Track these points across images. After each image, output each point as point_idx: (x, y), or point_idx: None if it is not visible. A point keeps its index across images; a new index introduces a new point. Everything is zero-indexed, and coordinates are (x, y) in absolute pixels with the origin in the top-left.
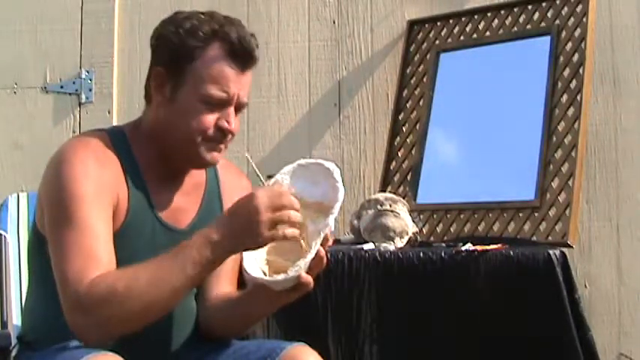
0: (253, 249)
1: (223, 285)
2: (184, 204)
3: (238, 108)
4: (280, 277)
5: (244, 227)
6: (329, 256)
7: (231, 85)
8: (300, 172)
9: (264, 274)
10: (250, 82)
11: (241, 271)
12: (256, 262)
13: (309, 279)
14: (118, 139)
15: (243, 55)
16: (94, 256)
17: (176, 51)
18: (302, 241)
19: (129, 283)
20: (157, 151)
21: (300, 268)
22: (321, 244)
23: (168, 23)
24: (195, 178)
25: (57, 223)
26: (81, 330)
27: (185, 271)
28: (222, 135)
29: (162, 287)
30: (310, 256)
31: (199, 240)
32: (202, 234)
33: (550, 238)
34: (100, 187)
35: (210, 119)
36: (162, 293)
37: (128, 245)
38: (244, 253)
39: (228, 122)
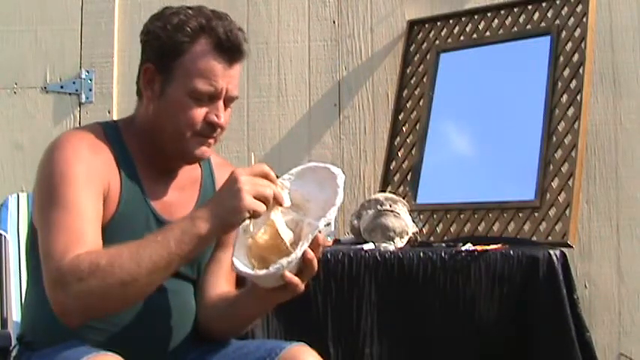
0: (237, 220)
1: (222, 284)
2: (180, 199)
3: (228, 101)
4: (262, 272)
5: (225, 195)
6: (329, 256)
7: (219, 79)
8: (309, 174)
9: (253, 268)
10: (239, 74)
11: None
12: (247, 258)
13: (295, 280)
14: (111, 132)
15: (230, 49)
16: (80, 234)
17: (164, 47)
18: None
19: (111, 258)
20: (150, 146)
21: (282, 267)
22: (313, 249)
23: (156, 19)
24: (191, 173)
25: (45, 203)
26: (62, 307)
27: (168, 247)
28: (211, 129)
29: (143, 263)
30: (294, 255)
31: (184, 218)
32: (188, 214)
33: (550, 238)
34: (91, 172)
35: (199, 114)
36: (143, 269)
37: (121, 235)
38: (235, 247)
39: (217, 116)
